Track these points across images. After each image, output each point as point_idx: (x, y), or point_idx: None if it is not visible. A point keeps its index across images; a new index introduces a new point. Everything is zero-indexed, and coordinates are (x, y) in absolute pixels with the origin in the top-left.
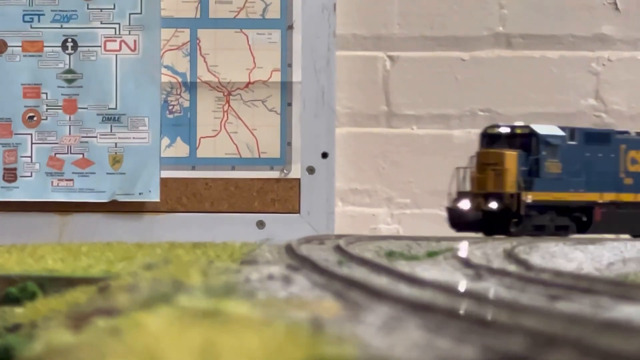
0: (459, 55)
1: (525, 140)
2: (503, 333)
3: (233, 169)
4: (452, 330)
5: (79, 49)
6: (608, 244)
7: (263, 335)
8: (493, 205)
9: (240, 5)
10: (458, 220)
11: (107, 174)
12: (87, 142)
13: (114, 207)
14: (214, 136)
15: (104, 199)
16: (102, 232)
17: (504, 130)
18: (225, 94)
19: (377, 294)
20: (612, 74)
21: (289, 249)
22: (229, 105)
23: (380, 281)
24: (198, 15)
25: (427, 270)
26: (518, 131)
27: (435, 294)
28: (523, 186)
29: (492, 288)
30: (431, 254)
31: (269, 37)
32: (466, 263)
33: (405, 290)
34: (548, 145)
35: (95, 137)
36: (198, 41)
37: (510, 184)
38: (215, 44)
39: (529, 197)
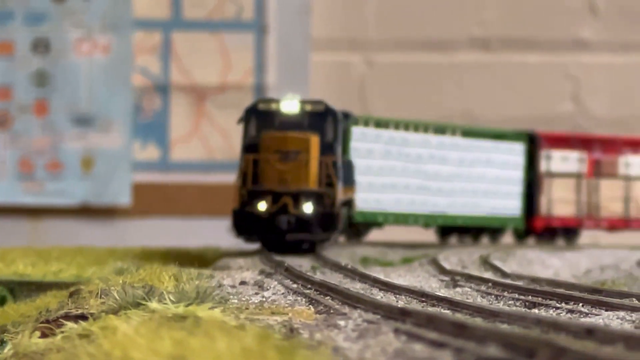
0: (436, 58)
1: (320, 120)
2: (479, 339)
3: (206, 172)
4: (427, 336)
5: (51, 50)
6: (586, 251)
7: (235, 340)
8: (308, 208)
9: (214, 6)
10: (251, 228)
11: (78, 177)
12: (58, 145)
13: (85, 211)
14: (187, 140)
15: (75, 202)
16: (73, 237)
17: (291, 106)
18: (199, 97)
19: (352, 300)
20: (591, 78)
21: (263, 254)
22: (203, 108)
23: (355, 286)
24: (171, 17)
25: (402, 277)
26: (308, 108)
27: (410, 299)
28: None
29: (467, 294)
30: (406, 260)
31: (243, 39)
32: (442, 269)
33: (379, 296)
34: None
35: (67, 140)
36: (171, 43)
37: (320, 178)
38: (188, 46)
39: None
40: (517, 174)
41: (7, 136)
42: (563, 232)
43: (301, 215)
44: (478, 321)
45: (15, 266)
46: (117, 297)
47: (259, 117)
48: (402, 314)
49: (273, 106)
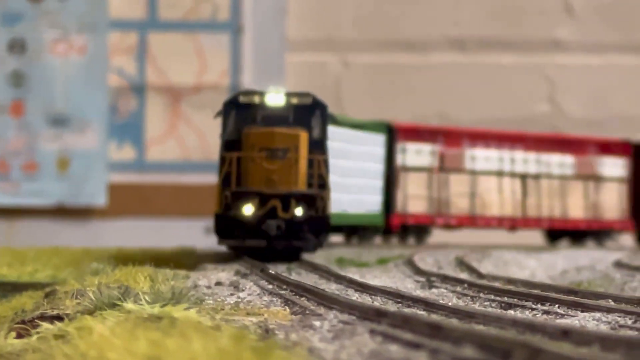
0: (412, 59)
1: (308, 115)
2: (455, 340)
3: (182, 173)
4: (403, 337)
5: (27, 51)
6: (562, 252)
7: (210, 341)
8: (299, 211)
9: (190, 7)
10: (236, 234)
11: (54, 178)
12: (34, 145)
13: (61, 212)
14: (163, 140)
15: (50, 203)
16: (49, 237)
17: (276, 98)
18: (174, 97)
19: (327, 300)
20: (567, 79)
21: (239, 256)
22: (178, 109)
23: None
24: (147, 17)
25: (377, 278)
26: (295, 101)
27: (386, 300)
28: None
29: (443, 295)
30: (381, 261)
31: (219, 40)
32: (417, 270)
33: (355, 296)
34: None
35: (42, 140)
36: (147, 44)
37: (310, 179)
38: (164, 46)
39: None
40: (378, 167)
41: None
42: (415, 230)
43: (292, 220)
44: (454, 322)
45: None
46: (93, 298)
47: (240, 111)
48: (378, 315)
49: (256, 99)
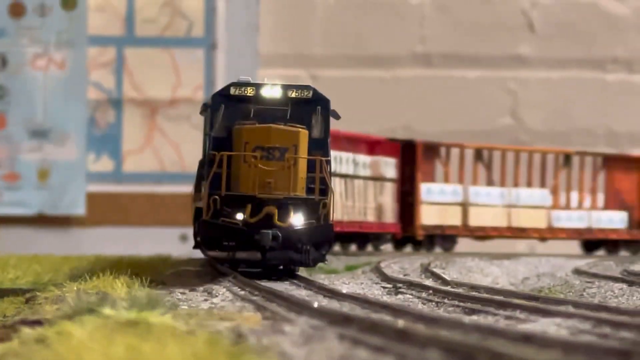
0: (379, 74)
1: (309, 110)
2: (420, 344)
3: (158, 183)
4: (371, 341)
5: (8, 65)
6: (523, 259)
7: (185, 345)
8: (298, 220)
9: (165, 23)
10: (225, 244)
11: (35, 188)
12: (15, 156)
13: (41, 221)
14: (140, 152)
15: (31, 212)
16: (29, 245)
17: (273, 91)
18: (151, 110)
19: (298, 306)
20: (529, 93)
21: (212, 263)
22: (154, 122)
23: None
24: (124, 33)
25: (346, 284)
26: (293, 94)
27: (354, 306)
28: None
29: (409, 301)
30: (350, 268)
31: (193, 56)
32: (384, 277)
33: (324, 302)
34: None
35: (23, 152)
36: (124, 59)
37: (310, 183)
38: (141, 61)
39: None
40: None
41: None
42: None
43: (289, 229)
44: (419, 327)
45: None
46: (72, 304)
47: (231, 105)
48: (347, 321)
49: (249, 91)
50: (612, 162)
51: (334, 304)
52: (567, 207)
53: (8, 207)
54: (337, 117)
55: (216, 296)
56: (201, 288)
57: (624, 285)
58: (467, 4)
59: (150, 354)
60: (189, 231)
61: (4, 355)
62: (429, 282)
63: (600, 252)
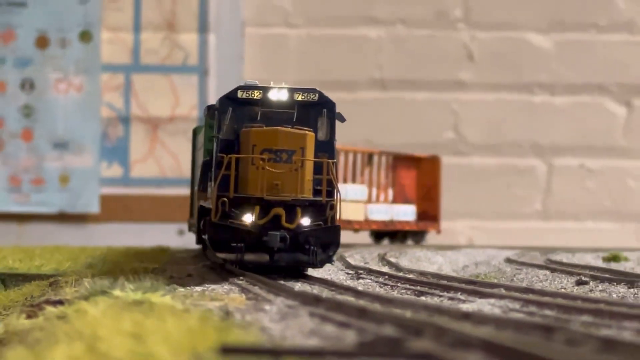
0: (343, 96)
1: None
2: (377, 321)
3: (159, 187)
4: (336, 318)
5: (34, 89)
6: (463, 250)
7: (181, 321)
8: (305, 221)
9: (165, 53)
10: (233, 246)
11: (57, 190)
12: (40, 164)
13: (62, 218)
14: (144, 160)
15: (54, 210)
16: (52, 238)
17: (280, 94)
18: (153, 126)
19: (275, 289)
20: (468, 112)
21: (203, 254)
22: (156, 136)
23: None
24: (131, 62)
25: (315, 271)
26: (300, 97)
27: (322, 289)
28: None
29: (368, 285)
30: None
31: (189, 80)
32: (348, 265)
33: (297, 286)
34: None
35: (47, 160)
36: (131, 83)
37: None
38: (145, 85)
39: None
40: None
41: (1, 157)
42: None
43: (297, 231)
44: (377, 307)
45: (5, 261)
46: (88, 287)
47: (238, 108)
48: (316, 301)
49: (256, 94)
50: (398, 161)
51: (305, 287)
52: (377, 201)
53: (35, 206)
54: (343, 119)
55: (208, 281)
56: (196, 274)
57: (547, 272)
58: (417, 38)
59: (152, 328)
60: (185, 226)
61: (31, 329)
62: (385, 269)
63: (386, 242)
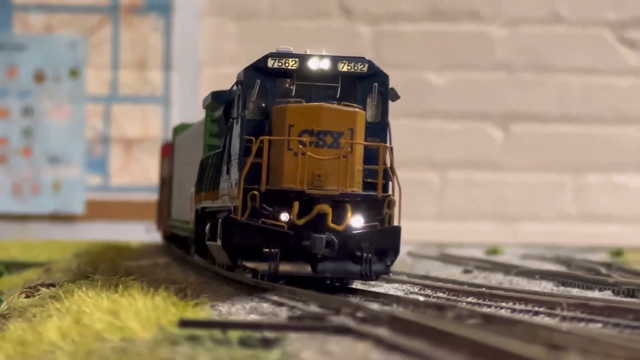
0: None
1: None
2: (304, 301)
3: (132, 193)
4: (272, 298)
5: (33, 114)
6: None
7: (149, 300)
8: (357, 222)
9: (137, 87)
10: (266, 253)
11: (51, 196)
12: (38, 175)
13: (54, 218)
14: (120, 172)
15: (48, 211)
16: (46, 234)
17: (321, 63)
18: (128, 145)
19: (223, 276)
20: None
21: (165, 248)
22: (131, 152)
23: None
24: (110, 93)
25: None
26: (345, 68)
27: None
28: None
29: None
30: None
31: (156, 109)
32: None
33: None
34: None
35: (43, 172)
36: (111, 110)
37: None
38: (121, 112)
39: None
40: None
41: (5, 169)
42: None
43: (347, 234)
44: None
45: (8, 252)
46: (75, 272)
47: (268, 80)
48: (255, 287)
49: (290, 63)
50: None
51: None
52: None
53: (33, 207)
54: (396, 97)
55: (171, 269)
56: (162, 263)
57: (441, 263)
58: None
59: (126, 305)
60: (151, 225)
61: (29, 306)
62: None
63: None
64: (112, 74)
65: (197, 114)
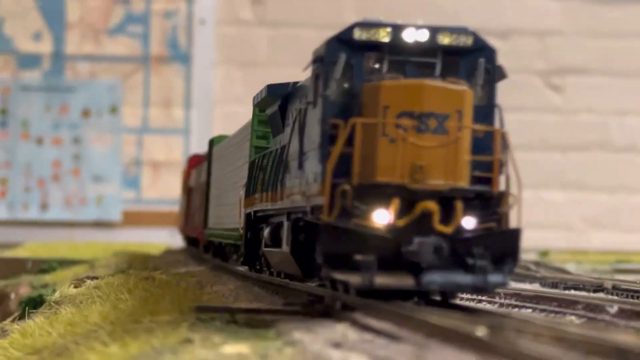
0: None
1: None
2: (298, 293)
3: (158, 205)
4: (268, 289)
5: (81, 143)
6: None
7: (173, 289)
8: (469, 222)
9: (164, 120)
10: (359, 261)
11: (95, 207)
12: (84, 191)
13: (97, 224)
14: (150, 189)
15: (92, 219)
16: (90, 237)
17: (417, 34)
18: (155, 167)
19: (230, 273)
20: None
21: (189, 249)
22: (158, 173)
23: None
24: (142, 125)
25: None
26: (446, 40)
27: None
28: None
29: None
30: None
31: (177, 139)
32: None
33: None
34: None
35: (88, 189)
36: (143, 140)
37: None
38: (152, 141)
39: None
40: None
41: (58, 186)
42: None
43: (457, 237)
44: (297, 283)
45: (61, 252)
46: (113, 267)
47: (354, 55)
48: (258, 280)
49: (381, 35)
50: None
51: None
52: None
53: (80, 216)
54: (504, 76)
55: (189, 265)
56: (182, 259)
57: None
58: None
59: (156, 293)
60: (174, 230)
61: (77, 294)
62: None
63: None
64: (144, 110)
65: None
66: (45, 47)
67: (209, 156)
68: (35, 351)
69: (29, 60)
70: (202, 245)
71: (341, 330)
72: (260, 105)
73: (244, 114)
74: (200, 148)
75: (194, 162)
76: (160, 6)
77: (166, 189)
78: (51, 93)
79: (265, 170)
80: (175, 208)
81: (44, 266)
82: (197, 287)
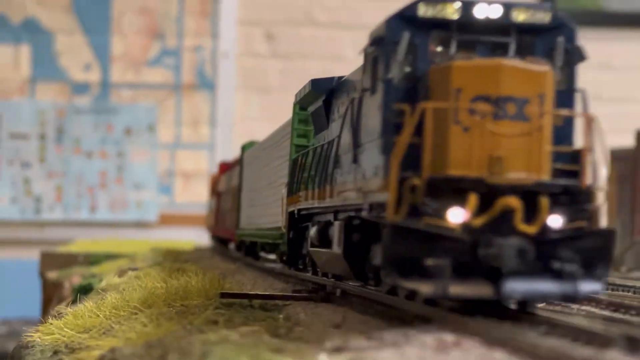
0: None
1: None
2: (302, 282)
3: (189, 208)
4: (280, 278)
5: (123, 158)
6: None
7: (200, 278)
8: (556, 221)
9: (193, 137)
10: (432, 266)
11: (135, 210)
12: (126, 197)
13: (137, 224)
14: (182, 194)
15: (133, 220)
16: (132, 235)
17: (490, 10)
18: (186, 177)
19: (249, 266)
20: None
21: (214, 246)
22: (189, 182)
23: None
24: (174, 141)
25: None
26: (521, 17)
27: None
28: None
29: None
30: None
31: (202, 154)
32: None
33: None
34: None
35: (130, 196)
36: (175, 154)
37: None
38: (184, 156)
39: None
40: None
41: (105, 192)
42: None
43: (543, 238)
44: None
45: (106, 248)
46: (150, 260)
47: (419, 34)
48: (272, 271)
49: (449, 11)
50: None
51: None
52: None
53: (123, 217)
54: (583, 57)
55: (214, 258)
56: (208, 253)
57: None
58: None
59: (186, 282)
60: (202, 230)
61: (120, 283)
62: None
63: None
64: (176, 129)
65: (231, 156)
66: (94, 76)
67: (240, 161)
68: (85, 330)
69: (81, 88)
70: (235, 244)
71: (341, 312)
72: (302, 101)
73: (260, 131)
74: (223, 159)
75: (223, 169)
76: (190, 42)
77: (195, 195)
78: (99, 115)
79: (310, 168)
80: (203, 211)
81: (92, 259)
82: (220, 277)
